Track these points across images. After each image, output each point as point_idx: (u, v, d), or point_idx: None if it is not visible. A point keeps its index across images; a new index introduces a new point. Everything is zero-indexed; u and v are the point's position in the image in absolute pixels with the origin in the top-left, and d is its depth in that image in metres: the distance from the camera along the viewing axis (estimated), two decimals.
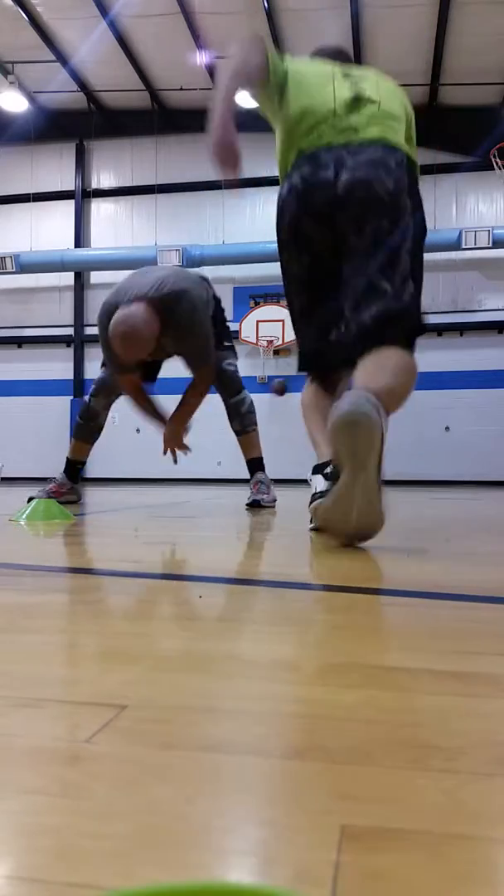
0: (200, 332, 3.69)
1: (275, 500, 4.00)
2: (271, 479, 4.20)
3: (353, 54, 10.89)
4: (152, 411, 4.05)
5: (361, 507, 1.81)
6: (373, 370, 2.01)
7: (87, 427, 4.17)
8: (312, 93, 2.36)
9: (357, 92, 2.34)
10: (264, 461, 4.20)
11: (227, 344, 4.06)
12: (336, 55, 2.66)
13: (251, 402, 4.07)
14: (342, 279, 2.21)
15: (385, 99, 2.34)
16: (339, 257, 2.22)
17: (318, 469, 2.24)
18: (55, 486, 4.04)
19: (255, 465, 4.12)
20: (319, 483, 2.17)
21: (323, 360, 2.39)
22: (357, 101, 2.31)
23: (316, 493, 2.16)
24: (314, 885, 0.35)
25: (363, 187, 2.15)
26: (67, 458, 4.18)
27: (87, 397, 4.15)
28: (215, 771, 0.48)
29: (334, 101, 2.31)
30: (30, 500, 3.26)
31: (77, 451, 4.19)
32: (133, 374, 3.84)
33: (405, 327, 2.15)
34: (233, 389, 4.02)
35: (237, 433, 4.09)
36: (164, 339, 3.59)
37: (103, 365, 4.07)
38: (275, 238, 2.44)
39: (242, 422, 4.04)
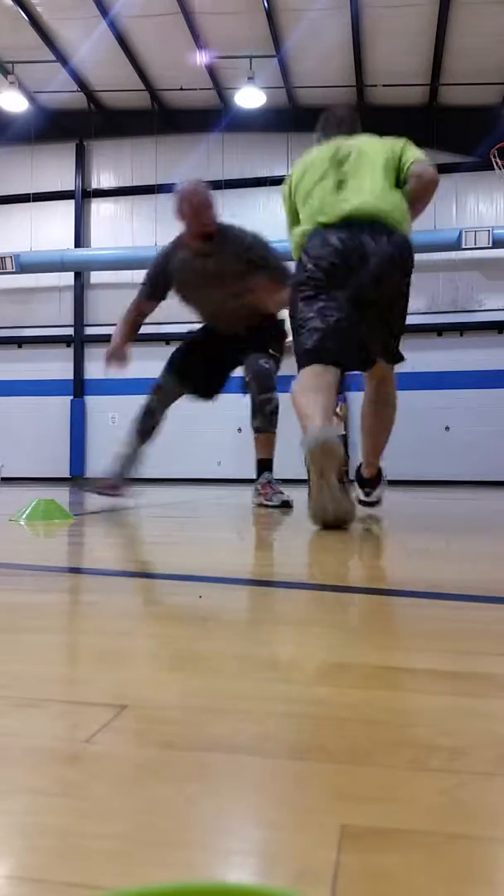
0: (258, 243, 3.99)
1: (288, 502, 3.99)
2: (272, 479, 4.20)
3: (353, 54, 10.91)
4: (122, 343, 4.37)
5: (333, 503, 2.45)
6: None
7: (144, 426, 4.37)
8: (313, 204, 2.99)
9: (345, 196, 2.93)
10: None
11: (272, 352, 4.15)
12: (340, 124, 3.29)
13: (278, 404, 4.11)
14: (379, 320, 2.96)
15: (371, 194, 2.91)
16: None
17: (361, 482, 3.46)
18: (105, 482, 4.21)
19: (264, 466, 4.19)
20: (360, 495, 3.42)
21: (331, 351, 2.85)
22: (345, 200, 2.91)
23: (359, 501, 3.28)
24: (314, 885, 0.35)
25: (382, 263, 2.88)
26: (121, 455, 4.36)
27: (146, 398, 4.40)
28: (215, 771, 0.48)
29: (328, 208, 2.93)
30: (78, 489, 3.43)
31: (133, 449, 4.39)
32: (153, 305, 4.34)
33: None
34: (263, 386, 4.06)
35: (256, 430, 4.15)
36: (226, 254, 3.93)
37: (154, 388, 4.32)
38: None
39: (264, 421, 4.10)
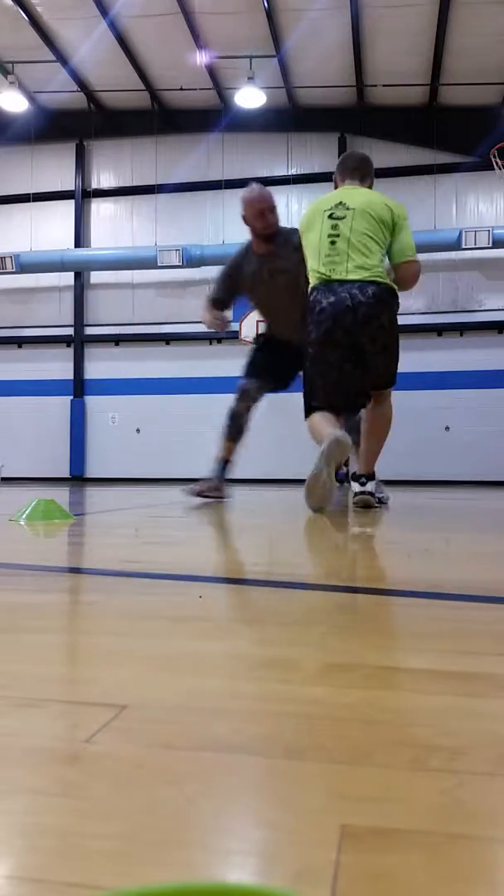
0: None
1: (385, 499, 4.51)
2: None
3: (353, 54, 10.91)
4: (213, 320, 4.64)
5: (322, 487, 3.17)
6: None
7: (233, 427, 4.66)
8: (314, 250, 3.63)
9: (340, 257, 3.55)
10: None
11: None
12: (354, 171, 3.86)
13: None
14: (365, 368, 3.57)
15: (364, 268, 3.51)
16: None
17: (355, 477, 3.79)
18: (205, 485, 4.57)
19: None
20: (356, 487, 3.72)
21: (333, 406, 3.58)
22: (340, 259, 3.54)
23: (357, 492, 3.69)
24: (314, 885, 0.35)
25: (371, 317, 3.50)
26: (218, 458, 4.69)
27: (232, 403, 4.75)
28: (215, 771, 0.48)
29: (327, 254, 3.57)
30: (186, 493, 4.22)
31: (226, 451, 4.69)
32: (220, 306, 4.59)
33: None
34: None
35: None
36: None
37: (240, 394, 4.56)
38: None
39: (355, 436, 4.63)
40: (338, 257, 3.53)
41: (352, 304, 3.43)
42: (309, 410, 3.65)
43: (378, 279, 3.49)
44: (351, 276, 3.47)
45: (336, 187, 3.91)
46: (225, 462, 4.62)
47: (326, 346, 3.51)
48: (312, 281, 3.59)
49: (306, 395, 3.68)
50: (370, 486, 3.76)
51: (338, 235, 3.58)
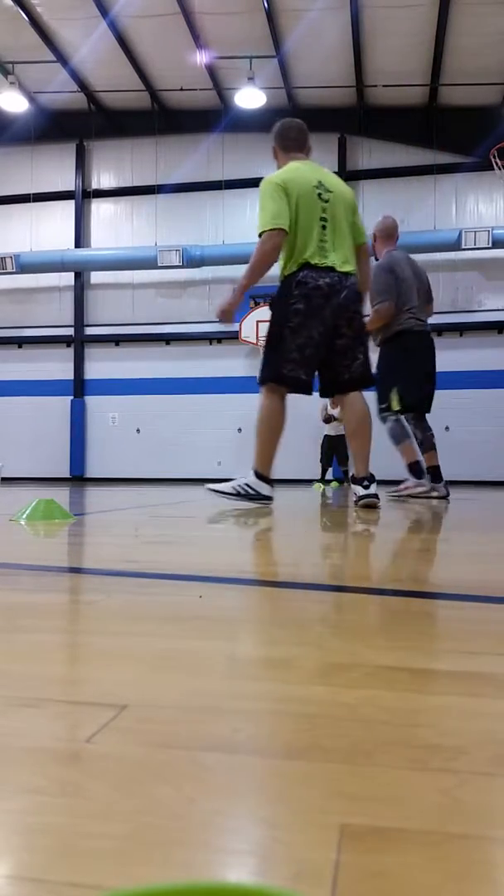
0: None
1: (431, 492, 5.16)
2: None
3: (353, 54, 10.91)
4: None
5: None
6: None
7: (403, 430, 5.17)
8: (307, 229, 3.78)
9: (330, 234, 3.82)
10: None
11: None
12: (301, 143, 4.01)
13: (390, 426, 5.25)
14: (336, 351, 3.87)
15: (346, 257, 3.85)
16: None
17: (356, 480, 3.90)
18: (414, 488, 5.11)
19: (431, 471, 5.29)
20: (359, 490, 3.83)
21: (304, 388, 3.86)
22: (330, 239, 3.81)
23: (363, 495, 3.80)
24: (314, 885, 0.35)
25: (352, 302, 3.86)
26: (410, 463, 5.21)
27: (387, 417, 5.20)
28: (215, 771, 0.48)
29: (320, 239, 3.80)
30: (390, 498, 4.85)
31: (410, 454, 5.22)
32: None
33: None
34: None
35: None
36: None
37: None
38: None
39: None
40: (328, 244, 3.77)
41: (339, 289, 3.75)
42: (273, 380, 3.81)
43: (353, 271, 3.85)
44: (340, 269, 3.77)
45: (277, 157, 4.01)
46: (418, 464, 5.23)
47: (314, 321, 3.74)
48: (297, 258, 3.75)
49: (274, 362, 3.80)
50: (373, 489, 3.83)
51: (327, 220, 3.78)
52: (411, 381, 5.13)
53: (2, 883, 0.35)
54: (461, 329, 12.21)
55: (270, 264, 3.77)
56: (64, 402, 13.54)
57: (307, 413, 8.27)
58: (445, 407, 12.39)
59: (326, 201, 3.79)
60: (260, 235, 3.75)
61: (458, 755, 0.51)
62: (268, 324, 4.07)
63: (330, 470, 11.00)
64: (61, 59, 11.41)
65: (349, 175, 12.64)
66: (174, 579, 1.40)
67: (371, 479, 3.83)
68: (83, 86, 12.27)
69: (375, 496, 3.76)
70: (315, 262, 3.73)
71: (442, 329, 12.20)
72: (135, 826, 0.41)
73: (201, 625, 0.96)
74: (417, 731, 0.56)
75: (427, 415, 5.54)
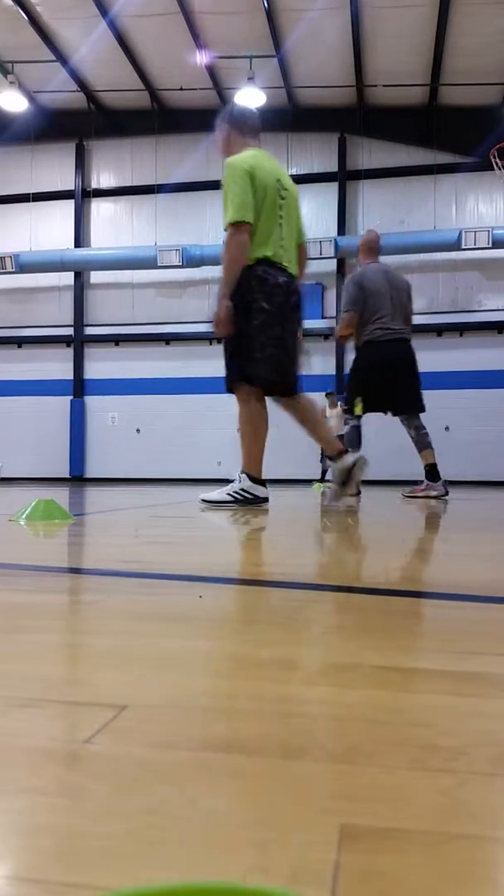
0: None
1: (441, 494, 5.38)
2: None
3: (353, 54, 10.90)
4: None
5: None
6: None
7: (358, 438, 5.37)
8: (268, 223, 3.78)
9: (287, 231, 3.87)
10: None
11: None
12: (257, 133, 3.94)
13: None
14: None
15: (294, 258, 3.93)
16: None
17: (332, 459, 4.12)
18: (429, 491, 5.36)
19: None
20: (347, 461, 4.08)
21: (280, 388, 3.91)
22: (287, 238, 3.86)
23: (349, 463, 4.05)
24: (313, 885, 0.35)
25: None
26: (429, 465, 5.52)
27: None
28: (215, 771, 0.48)
29: (280, 237, 3.84)
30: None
31: (430, 457, 5.51)
32: None
33: None
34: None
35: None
36: None
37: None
38: None
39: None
40: (283, 243, 3.81)
41: (291, 290, 3.83)
42: (242, 381, 3.78)
43: (297, 274, 3.94)
44: (291, 271, 3.84)
45: (228, 140, 3.90)
46: (434, 466, 5.49)
47: (285, 320, 3.79)
48: (255, 251, 3.71)
49: (239, 363, 3.77)
50: (350, 458, 4.14)
51: (282, 217, 3.82)
52: (370, 390, 5.50)
53: (2, 883, 0.35)
54: (461, 329, 12.21)
55: (243, 264, 3.70)
56: (64, 402, 13.55)
57: None
58: (445, 407, 12.42)
59: (283, 199, 3.81)
60: (225, 229, 3.69)
61: (458, 755, 0.51)
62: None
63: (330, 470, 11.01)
64: (61, 58, 11.41)
65: (349, 175, 12.64)
66: (174, 579, 1.40)
67: (343, 452, 4.09)
68: (83, 85, 12.27)
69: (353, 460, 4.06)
70: (273, 260, 3.74)
71: (442, 329, 12.21)
72: (135, 826, 0.40)
73: (201, 625, 0.96)
74: (417, 732, 0.56)
75: (426, 415, 5.66)
